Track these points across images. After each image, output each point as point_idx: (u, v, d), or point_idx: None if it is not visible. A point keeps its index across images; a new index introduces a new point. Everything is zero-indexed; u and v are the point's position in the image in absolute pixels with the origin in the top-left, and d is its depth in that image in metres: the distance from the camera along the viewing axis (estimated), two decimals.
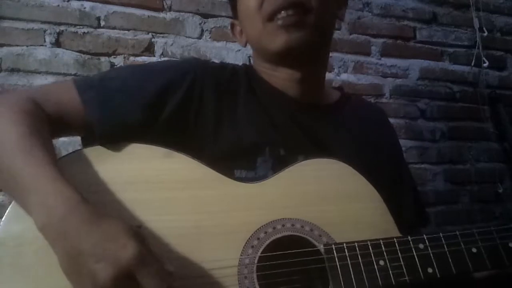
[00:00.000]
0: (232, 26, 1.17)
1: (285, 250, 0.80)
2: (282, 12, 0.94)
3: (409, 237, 0.84)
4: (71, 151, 0.89)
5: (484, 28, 2.36)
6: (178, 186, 0.85)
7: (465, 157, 2.27)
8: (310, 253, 0.81)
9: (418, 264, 0.81)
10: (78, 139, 1.00)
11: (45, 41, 1.71)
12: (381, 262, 0.80)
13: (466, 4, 2.38)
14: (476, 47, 2.34)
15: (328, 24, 1.06)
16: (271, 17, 0.96)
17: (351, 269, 0.79)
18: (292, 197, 0.88)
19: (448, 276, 0.82)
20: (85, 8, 1.77)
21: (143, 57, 1.83)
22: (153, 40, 1.86)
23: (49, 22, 1.72)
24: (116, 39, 1.81)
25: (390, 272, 0.79)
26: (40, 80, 1.68)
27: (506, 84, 2.41)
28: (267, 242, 0.82)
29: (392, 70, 2.23)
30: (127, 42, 1.82)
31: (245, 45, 1.12)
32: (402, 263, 0.81)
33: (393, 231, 0.88)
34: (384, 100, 2.19)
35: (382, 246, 0.82)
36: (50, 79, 1.69)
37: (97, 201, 0.78)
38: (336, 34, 2.10)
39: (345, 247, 0.81)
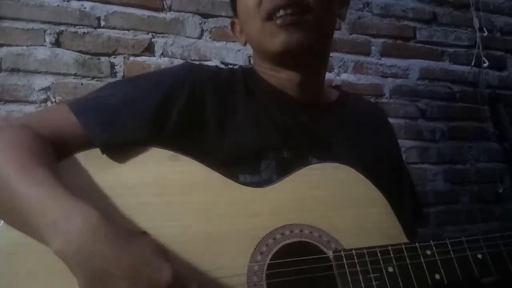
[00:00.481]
0: (232, 25, 1.16)
1: (294, 256, 0.79)
2: (281, 11, 0.93)
3: (416, 244, 0.84)
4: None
5: (484, 28, 2.37)
6: (185, 190, 0.84)
7: (465, 157, 2.28)
8: (319, 260, 0.81)
9: (426, 270, 0.81)
10: None
11: (45, 41, 1.70)
12: (390, 269, 0.80)
13: (466, 4, 2.38)
14: (476, 47, 2.34)
15: (329, 24, 1.05)
16: (270, 16, 0.95)
17: (360, 276, 0.79)
18: (300, 202, 0.87)
19: (454, 282, 0.82)
20: (85, 8, 1.77)
21: (143, 57, 1.83)
22: (153, 40, 1.85)
23: (49, 22, 1.71)
24: (116, 39, 1.80)
25: (399, 279, 0.79)
26: (40, 80, 1.67)
27: (506, 84, 2.42)
28: (276, 248, 0.81)
29: (392, 70, 2.23)
30: (127, 42, 1.81)
31: (244, 44, 1.11)
32: (410, 269, 0.81)
33: (400, 237, 0.88)
34: (384, 100, 2.19)
35: (391, 252, 0.82)
36: (50, 79, 1.68)
37: (101, 206, 0.76)
38: (336, 34, 2.10)
39: (354, 253, 0.81)
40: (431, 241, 0.85)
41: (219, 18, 1.96)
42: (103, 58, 1.77)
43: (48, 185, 0.71)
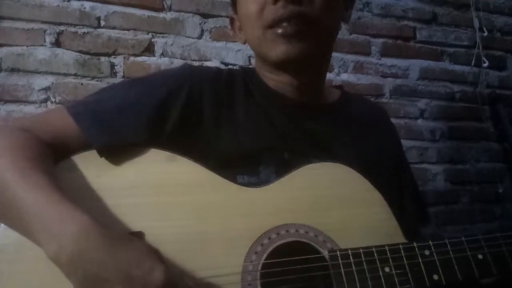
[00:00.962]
0: (232, 21, 1.14)
1: (289, 256, 0.79)
2: (284, 23, 0.92)
3: (414, 243, 0.83)
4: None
5: (484, 28, 2.37)
6: (181, 190, 0.84)
7: (465, 157, 2.27)
8: (314, 260, 0.80)
9: (423, 271, 0.80)
10: None
11: (45, 41, 1.70)
12: (387, 269, 0.79)
13: (466, 4, 2.38)
14: (476, 47, 2.34)
15: (332, 32, 1.04)
16: (271, 25, 0.94)
17: (356, 276, 0.78)
18: (296, 202, 0.87)
19: (454, 282, 0.81)
20: (85, 8, 1.77)
21: (143, 57, 1.83)
22: (153, 40, 1.86)
23: (49, 22, 1.72)
24: (116, 39, 1.80)
25: (396, 279, 0.78)
26: (40, 80, 1.67)
27: (506, 84, 2.42)
28: (271, 248, 0.80)
29: (392, 70, 2.23)
30: (127, 42, 1.81)
31: (244, 43, 1.09)
32: (407, 269, 0.80)
33: (398, 237, 0.87)
34: (384, 100, 2.19)
35: (388, 252, 0.81)
36: (50, 79, 1.69)
37: (98, 207, 0.78)
38: None
39: (350, 253, 0.80)
40: (429, 241, 0.83)
41: (219, 18, 1.97)
42: (103, 58, 1.78)
43: (46, 190, 0.72)
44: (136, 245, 0.69)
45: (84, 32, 1.76)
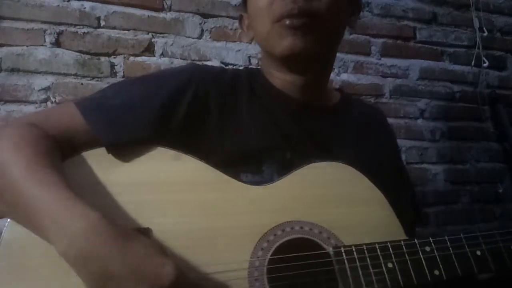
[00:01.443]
0: (241, 18, 1.16)
1: (294, 252, 0.80)
2: (291, 19, 0.93)
3: (416, 240, 0.84)
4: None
5: (484, 28, 2.37)
6: (187, 188, 0.85)
7: (465, 157, 2.28)
8: (319, 256, 0.81)
9: (425, 266, 0.81)
10: None
11: (45, 41, 1.70)
12: (390, 265, 0.80)
13: (466, 4, 2.39)
14: (476, 47, 2.35)
15: (336, 34, 1.05)
16: (279, 19, 0.95)
17: (360, 272, 0.79)
18: (300, 200, 0.88)
19: (453, 277, 0.82)
20: (85, 8, 1.77)
21: (143, 57, 1.83)
22: (153, 40, 1.86)
23: (49, 22, 1.71)
24: (116, 39, 1.80)
25: (399, 274, 0.80)
26: (40, 80, 1.67)
27: (506, 84, 2.42)
28: (277, 244, 0.82)
29: (392, 70, 2.23)
30: (127, 42, 1.81)
31: (250, 41, 1.11)
32: (409, 265, 0.81)
33: (399, 234, 0.88)
34: (384, 100, 2.19)
35: (390, 248, 0.82)
36: (50, 79, 1.69)
37: (105, 204, 0.78)
38: None
39: (354, 249, 0.81)
40: (430, 238, 0.85)
41: (219, 18, 1.97)
42: (103, 58, 1.78)
43: (55, 186, 0.72)
44: (145, 242, 0.70)
45: (84, 32, 1.76)
